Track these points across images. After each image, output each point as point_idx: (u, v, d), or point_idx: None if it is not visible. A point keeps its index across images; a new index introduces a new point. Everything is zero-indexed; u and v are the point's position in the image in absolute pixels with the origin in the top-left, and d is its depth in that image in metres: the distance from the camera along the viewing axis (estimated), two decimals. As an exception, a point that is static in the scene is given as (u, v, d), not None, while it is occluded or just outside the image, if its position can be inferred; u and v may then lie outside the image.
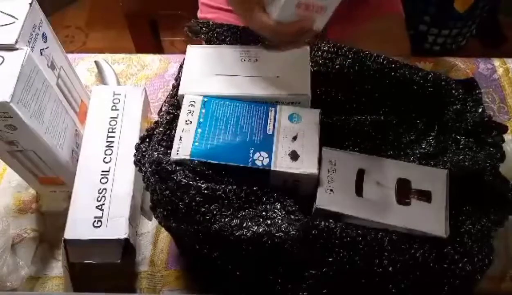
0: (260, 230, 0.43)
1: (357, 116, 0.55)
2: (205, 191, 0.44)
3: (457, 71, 0.73)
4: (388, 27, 0.81)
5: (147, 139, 0.50)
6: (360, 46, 0.56)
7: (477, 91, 0.53)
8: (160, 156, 0.46)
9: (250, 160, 0.45)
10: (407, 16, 0.84)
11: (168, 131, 0.49)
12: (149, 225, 0.59)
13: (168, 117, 0.50)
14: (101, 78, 0.71)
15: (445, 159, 0.51)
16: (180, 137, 0.47)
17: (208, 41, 0.57)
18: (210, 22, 0.58)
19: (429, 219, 0.45)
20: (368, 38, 0.77)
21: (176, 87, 0.52)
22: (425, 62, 0.74)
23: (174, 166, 0.45)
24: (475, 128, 0.51)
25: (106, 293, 0.50)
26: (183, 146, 0.46)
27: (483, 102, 0.53)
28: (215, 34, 0.57)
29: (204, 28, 0.58)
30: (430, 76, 0.54)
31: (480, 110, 0.51)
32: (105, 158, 0.56)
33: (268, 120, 0.48)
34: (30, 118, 0.48)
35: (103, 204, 0.52)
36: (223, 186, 0.44)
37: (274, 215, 0.44)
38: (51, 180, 0.58)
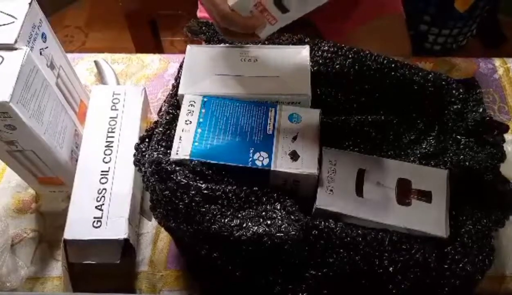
0: (260, 230, 0.43)
1: (357, 116, 0.55)
2: (205, 191, 0.44)
3: (457, 71, 0.73)
4: (389, 27, 0.81)
5: (147, 139, 0.50)
6: (360, 46, 0.56)
7: (478, 90, 0.53)
8: (160, 156, 0.46)
9: (250, 160, 0.45)
10: (408, 16, 0.83)
11: (168, 131, 0.49)
12: (149, 225, 0.59)
13: (168, 117, 0.50)
14: (100, 78, 0.71)
15: (446, 158, 0.51)
16: (180, 137, 0.47)
17: (208, 41, 0.57)
18: (210, 22, 0.58)
19: (429, 219, 0.45)
20: (369, 38, 0.77)
21: (176, 87, 0.52)
22: (425, 62, 0.74)
23: (174, 166, 0.45)
24: (476, 128, 0.51)
25: (106, 293, 0.50)
26: (183, 147, 0.46)
27: (483, 102, 0.53)
28: (215, 34, 0.57)
29: (203, 28, 0.58)
30: (430, 76, 0.54)
31: (480, 110, 0.51)
32: (104, 158, 0.55)
33: (268, 120, 0.48)
34: (30, 118, 0.48)
35: (103, 204, 0.52)
36: (223, 186, 0.44)
37: (274, 215, 0.44)
38: (51, 180, 0.57)
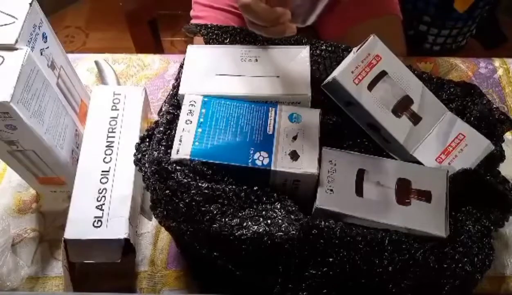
0: (260, 229, 0.43)
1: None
2: (205, 191, 0.44)
3: (457, 71, 0.73)
4: (385, 27, 0.80)
5: (147, 139, 0.50)
6: (357, 45, 0.56)
7: (477, 90, 0.54)
8: (160, 155, 0.46)
9: (250, 159, 0.45)
10: (407, 16, 0.83)
11: (168, 131, 0.49)
12: (149, 225, 0.59)
13: (168, 117, 0.50)
14: (101, 78, 0.71)
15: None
16: (180, 137, 0.47)
17: (208, 43, 0.57)
18: (209, 25, 0.58)
19: (429, 219, 0.45)
20: (365, 38, 0.77)
21: (176, 87, 0.52)
22: (425, 62, 0.74)
23: (174, 165, 0.45)
24: (480, 121, 0.51)
25: (106, 293, 0.50)
26: (183, 146, 0.46)
27: (484, 94, 0.53)
28: (214, 36, 0.57)
29: (203, 30, 0.58)
30: (425, 75, 0.54)
31: (484, 101, 0.52)
32: (105, 158, 0.55)
33: (268, 120, 0.48)
34: (30, 118, 0.48)
35: (103, 204, 0.52)
36: (223, 186, 0.44)
37: (274, 215, 0.44)
38: (51, 180, 0.58)
